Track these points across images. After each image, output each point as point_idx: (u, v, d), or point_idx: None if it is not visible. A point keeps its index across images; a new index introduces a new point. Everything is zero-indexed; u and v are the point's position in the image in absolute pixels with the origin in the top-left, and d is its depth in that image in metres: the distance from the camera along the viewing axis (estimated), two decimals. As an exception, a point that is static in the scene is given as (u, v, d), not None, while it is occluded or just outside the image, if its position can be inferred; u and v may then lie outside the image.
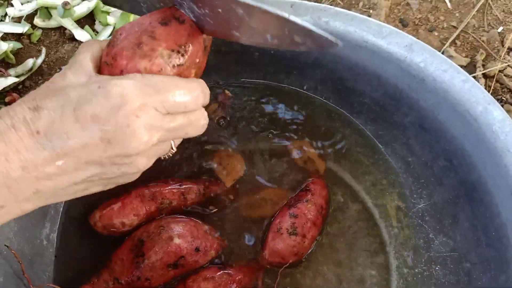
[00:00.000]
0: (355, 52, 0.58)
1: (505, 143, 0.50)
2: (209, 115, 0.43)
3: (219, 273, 0.55)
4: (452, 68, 0.53)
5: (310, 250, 0.58)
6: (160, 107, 0.36)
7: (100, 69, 0.39)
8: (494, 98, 0.79)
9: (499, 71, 0.82)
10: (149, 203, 0.57)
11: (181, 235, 0.54)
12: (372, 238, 0.61)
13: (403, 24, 0.87)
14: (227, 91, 0.66)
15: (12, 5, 0.85)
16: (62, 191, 0.36)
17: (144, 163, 0.38)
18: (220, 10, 0.37)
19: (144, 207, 0.57)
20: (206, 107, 0.42)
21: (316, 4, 0.58)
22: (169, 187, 0.59)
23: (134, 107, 0.34)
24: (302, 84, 0.67)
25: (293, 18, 0.34)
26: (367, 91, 0.62)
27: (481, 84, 0.79)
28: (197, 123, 0.40)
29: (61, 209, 0.61)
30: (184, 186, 0.59)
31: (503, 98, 0.80)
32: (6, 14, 0.84)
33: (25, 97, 0.36)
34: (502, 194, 0.51)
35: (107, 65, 0.39)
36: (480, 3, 0.89)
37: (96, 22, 0.84)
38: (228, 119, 0.66)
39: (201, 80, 0.41)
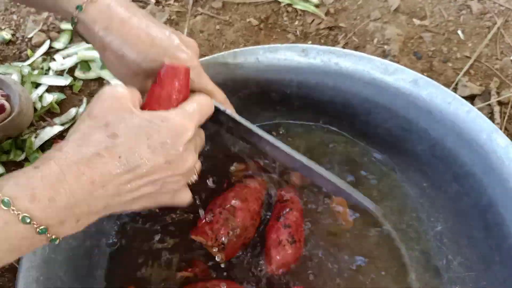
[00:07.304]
0: (365, 88, 0.62)
1: (510, 168, 0.53)
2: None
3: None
4: (456, 100, 0.57)
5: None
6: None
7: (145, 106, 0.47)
8: (510, 124, 0.82)
9: (514, 97, 0.84)
10: None
11: None
12: (394, 261, 0.64)
13: (417, 57, 0.90)
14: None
15: (54, 60, 0.92)
16: (123, 205, 0.42)
17: (184, 181, 0.47)
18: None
19: None
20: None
21: (326, 47, 0.63)
22: None
23: (190, 135, 0.44)
24: (318, 118, 0.72)
25: (349, 190, 0.59)
26: (379, 123, 0.66)
27: (496, 111, 0.82)
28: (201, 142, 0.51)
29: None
30: None
31: (518, 123, 0.82)
32: (49, 68, 0.91)
33: (91, 118, 0.41)
34: None
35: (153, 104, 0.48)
36: (492, 32, 0.91)
37: (130, 71, 0.91)
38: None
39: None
